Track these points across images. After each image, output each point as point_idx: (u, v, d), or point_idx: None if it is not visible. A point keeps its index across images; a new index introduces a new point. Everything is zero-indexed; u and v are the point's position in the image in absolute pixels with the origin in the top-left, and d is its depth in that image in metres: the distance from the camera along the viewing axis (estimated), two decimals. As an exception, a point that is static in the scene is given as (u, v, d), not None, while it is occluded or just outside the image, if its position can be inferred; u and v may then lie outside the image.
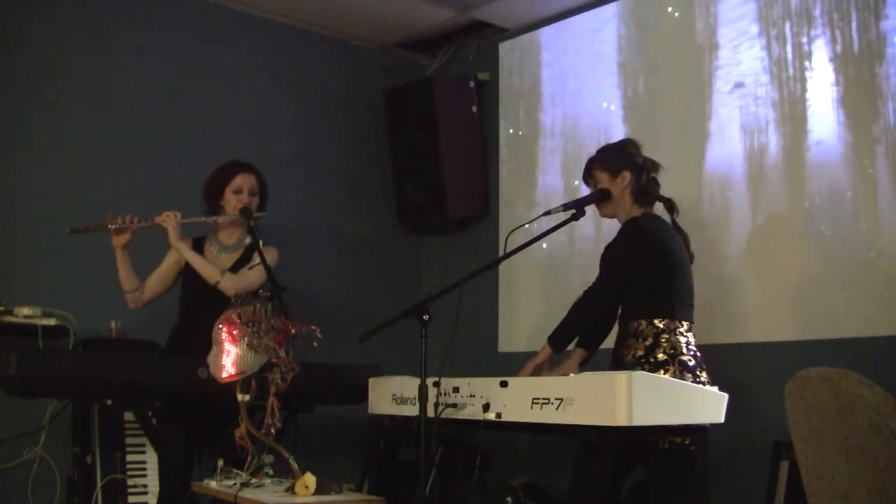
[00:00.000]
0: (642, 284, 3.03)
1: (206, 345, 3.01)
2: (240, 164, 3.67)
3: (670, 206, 3.23)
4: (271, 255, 3.61)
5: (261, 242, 3.53)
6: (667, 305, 3.00)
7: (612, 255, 3.12)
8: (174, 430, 3.43)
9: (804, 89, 3.81)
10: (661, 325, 2.99)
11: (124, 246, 3.52)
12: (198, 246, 3.65)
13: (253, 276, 3.49)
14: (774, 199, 3.82)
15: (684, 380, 2.87)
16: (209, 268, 3.51)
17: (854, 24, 3.71)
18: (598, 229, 4.17)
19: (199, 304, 3.49)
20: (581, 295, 3.13)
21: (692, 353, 2.99)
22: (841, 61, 3.72)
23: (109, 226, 3.46)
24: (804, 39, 3.85)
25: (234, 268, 3.59)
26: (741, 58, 4.00)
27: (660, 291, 3.01)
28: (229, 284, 3.44)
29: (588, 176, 3.22)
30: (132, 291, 3.60)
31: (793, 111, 3.84)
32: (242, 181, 3.61)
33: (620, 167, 3.14)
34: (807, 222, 3.70)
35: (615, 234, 3.21)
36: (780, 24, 3.94)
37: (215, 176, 3.66)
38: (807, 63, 3.83)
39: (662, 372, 2.89)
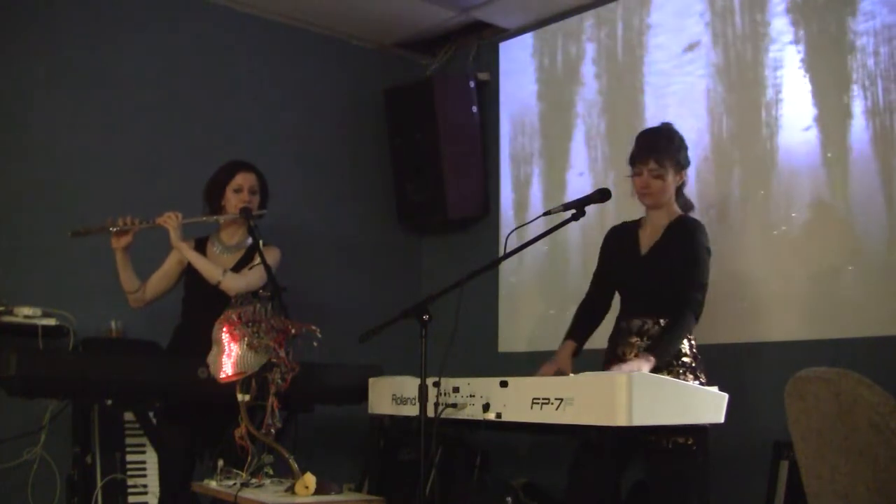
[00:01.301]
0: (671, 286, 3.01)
1: (208, 345, 3.01)
2: (239, 163, 3.68)
3: (689, 206, 3.22)
4: (273, 256, 3.61)
5: (261, 242, 3.54)
6: (675, 306, 2.98)
7: (696, 255, 3.01)
8: (174, 429, 3.43)
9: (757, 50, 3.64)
10: (665, 326, 2.98)
11: (125, 248, 3.51)
12: (200, 246, 3.65)
13: (254, 275, 3.49)
14: (772, 198, 3.82)
15: (685, 380, 2.87)
16: (211, 267, 3.51)
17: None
18: (599, 229, 4.16)
19: (202, 304, 3.49)
20: (679, 306, 2.96)
21: (693, 353, 2.99)
22: (802, 12, 3.43)
23: (111, 228, 3.46)
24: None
25: (237, 268, 3.59)
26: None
27: (675, 294, 2.99)
28: (231, 284, 3.44)
29: (656, 162, 3.05)
30: (133, 292, 3.60)
31: (743, 79, 3.69)
32: (242, 180, 3.62)
33: (685, 166, 3.14)
34: (804, 222, 3.70)
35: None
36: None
37: (215, 176, 3.67)
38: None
39: (666, 373, 2.88)
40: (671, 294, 2.98)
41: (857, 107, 3.48)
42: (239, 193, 3.60)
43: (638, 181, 3.11)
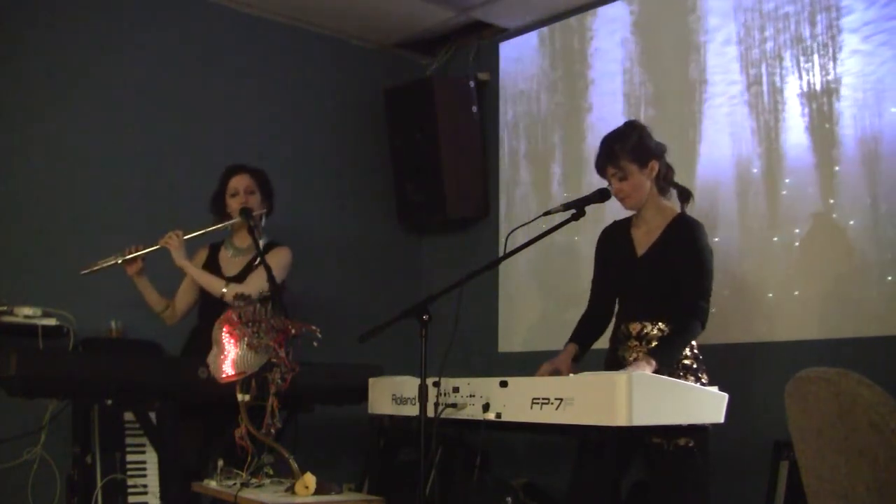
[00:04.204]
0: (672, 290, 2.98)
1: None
2: (232, 168, 3.77)
3: (686, 195, 3.14)
4: (283, 256, 3.65)
5: (261, 242, 3.57)
6: (675, 310, 2.96)
7: (701, 260, 2.96)
8: (176, 429, 3.44)
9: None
10: (666, 329, 2.97)
11: (139, 273, 3.59)
12: (214, 251, 3.73)
13: (258, 280, 3.51)
14: (772, 198, 3.82)
15: (687, 382, 2.86)
16: (213, 282, 3.58)
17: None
18: (600, 229, 4.17)
19: (217, 307, 3.53)
20: (685, 314, 2.92)
21: (694, 355, 2.98)
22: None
23: (118, 260, 3.53)
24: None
25: (247, 270, 3.65)
26: (727, 60, 4.00)
27: (680, 300, 2.96)
28: (234, 295, 3.46)
29: (614, 167, 3.03)
30: (163, 311, 3.71)
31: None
32: (236, 183, 3.70)
33: (649, 157, 3.04)
34: (803, 223, 3.70)
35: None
36: None
37: (217, 187, 3.75)
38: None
39: (667, 375, 2.87)
40: (672, 297, 2.96)
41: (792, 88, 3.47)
42: (236, 197, 3.69)
43: (612, 190, 3.07)
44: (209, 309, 3.61)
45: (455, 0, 4.78)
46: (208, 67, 4.71)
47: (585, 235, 4.41)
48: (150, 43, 4.53)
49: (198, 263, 3.72)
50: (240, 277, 3.64)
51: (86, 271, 3.52)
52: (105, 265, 3.52)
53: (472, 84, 5.04)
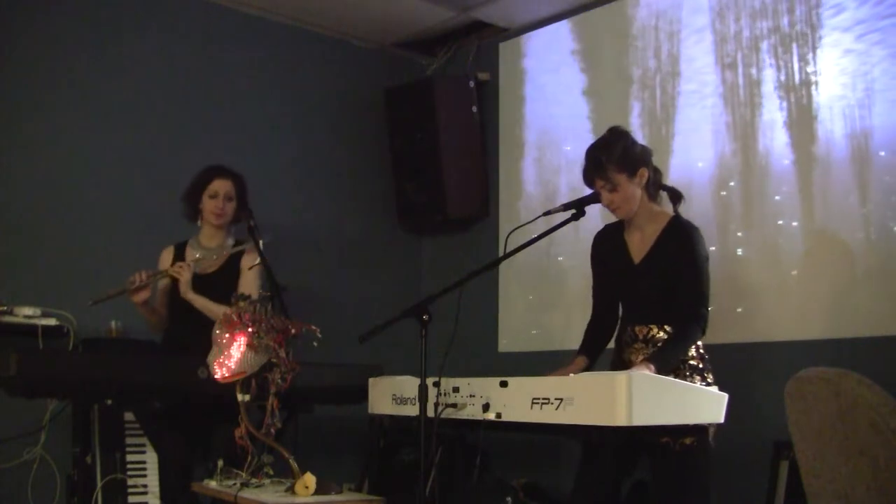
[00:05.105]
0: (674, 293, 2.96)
1: (198, 345, 3.03)
2: (217, 168, 3.74)
3: (678, 196, 3.09)
4: (255, 259, 3.64)
5: (231, 242, 3.65)
6: (680, 319, 2.94)
7: (698, 267, 2.94)
8: (174, 430, 3.44)
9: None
10: (670, 336, 2.96)
11: (144, 302, 3.60)
12: (180, 251, 3.73)
13: (253, 283, 3.56)
14: (772, 197, 3.82)
15: (691, 382, 2.86)
16: (219, 310, 3.54)
17: None
18: (598, 229, 4.17)
19: (186, 307, 3.58)
20: (686, 321, 2.91)
21: (700, 355, 2.97)
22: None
23: (128, 288, 3.54)
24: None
25: (222, 273, 3.65)
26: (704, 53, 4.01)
27: (679, 307, 2.94)
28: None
29: (602, 179, 2.96)
30: (158, 324, 3.75)
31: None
32: (218, 186, 3.68)
33: (637, 165, 2.98)
34: (803, 222, 3.70)
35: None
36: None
37: (194, 180, 3.73)
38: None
39: (674, 376, 2.84)
40: (673, 302, 2.95)
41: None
42: (214, 199, 3.68)
43: (602, 201, 3.02)
44: (179, 311, 3.64)
45: (455, 0, 4.78)
46: (207, 68, 4.71)
47: (586, 235, 4.41)
48: (149, 42, 4.53)
49: (164, 264, 3.72)
50: (215, 276, 3.65)
51: (97, 300, 3.55)
52: (114, 294, 3.55)
53: (472, 84, 5.04)
